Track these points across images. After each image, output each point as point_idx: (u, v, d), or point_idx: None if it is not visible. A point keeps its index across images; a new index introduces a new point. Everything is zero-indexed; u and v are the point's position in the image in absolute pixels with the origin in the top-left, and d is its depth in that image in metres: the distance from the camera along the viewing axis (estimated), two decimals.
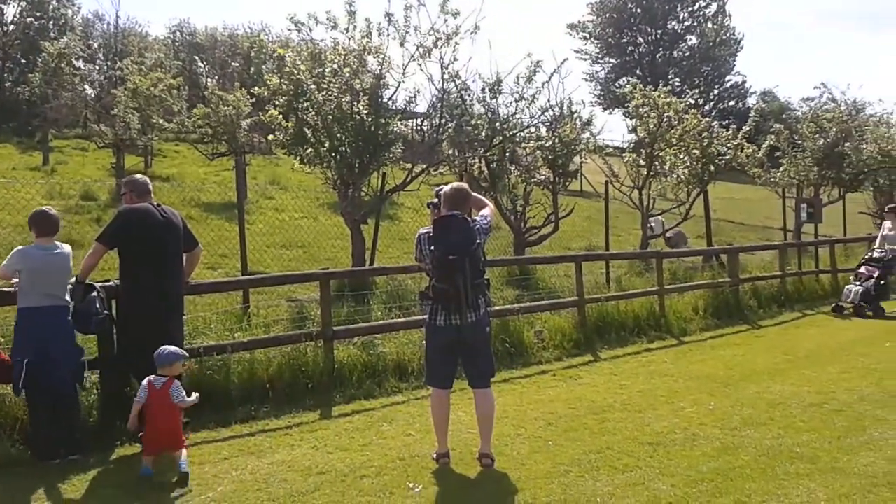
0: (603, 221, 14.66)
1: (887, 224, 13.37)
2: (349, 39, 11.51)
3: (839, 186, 20.90)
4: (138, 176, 6.19)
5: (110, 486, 5.01)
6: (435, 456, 5.41)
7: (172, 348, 5.35)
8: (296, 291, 10.95)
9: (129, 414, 5.29)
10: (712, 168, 16.63)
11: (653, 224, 16.66)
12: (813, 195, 19.36)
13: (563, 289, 11.66)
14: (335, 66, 11.28)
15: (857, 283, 12.65)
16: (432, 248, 5.26)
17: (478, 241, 5.28)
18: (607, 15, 62.74)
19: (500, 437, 5.84)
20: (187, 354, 5.62)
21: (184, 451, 5.19)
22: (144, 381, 5.23)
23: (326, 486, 4.95)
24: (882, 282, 12.56)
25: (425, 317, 5.48)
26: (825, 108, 21.56)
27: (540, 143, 14.38)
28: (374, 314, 8.89)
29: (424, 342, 5.71)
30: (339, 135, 11.15)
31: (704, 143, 16.36)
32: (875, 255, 12.93)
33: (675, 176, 16.70)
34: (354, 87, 11.16)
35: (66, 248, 5.65)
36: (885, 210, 13.82)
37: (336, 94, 11.03)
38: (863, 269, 12.78)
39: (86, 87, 27.26)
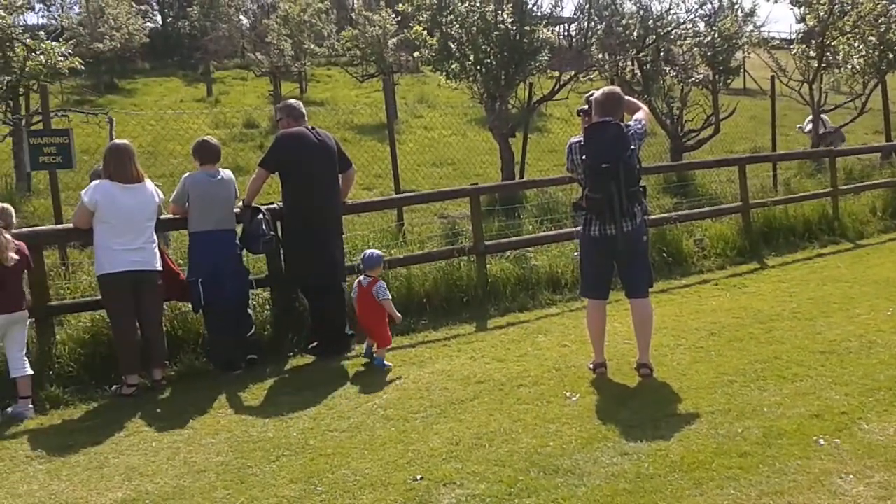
0: (769, 120, 13.72)
1: None
2: None
3: None
4: (292, 101, 6.39)
5: (285, 393, 5.37)
6: (591, 366, 5.39)
7: (376, 251, 5.99)
8: (448, 208, 11.10)
9: (300, 326, 5.70)
10: (891, 56, 15.04)
11: (804, 126, 15.39)
12: None
13: (725, 195, 11.12)
14: None
15: None
16: (584, 156, 5.11)
17: (632, 146, 5.08)
18: None
19: (659, 348, 5.72)
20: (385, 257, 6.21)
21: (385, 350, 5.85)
22: (355, 282, 5.97)
23: (485, 394, 5.07)
24: None
25: (579, 228, 5.39)
26: None
27: (698, 39, 13.55)
28: (525, 228, 8.86)
29: (579, 253, 5.63)
30: (483, 46, 10.99)
31: (882, 29, 14.78)
32: None
33: (849, 66, 15.27)
34: None
35: (228, 173, 5.97)
36: None
37: (479, 4, 10.81)
38: None
39: (241, 17, 28.32)
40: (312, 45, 22.18)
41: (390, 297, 5.95)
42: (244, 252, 6.02)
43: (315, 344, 6.03)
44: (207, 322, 5.85)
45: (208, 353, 5.91)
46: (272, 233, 5.98)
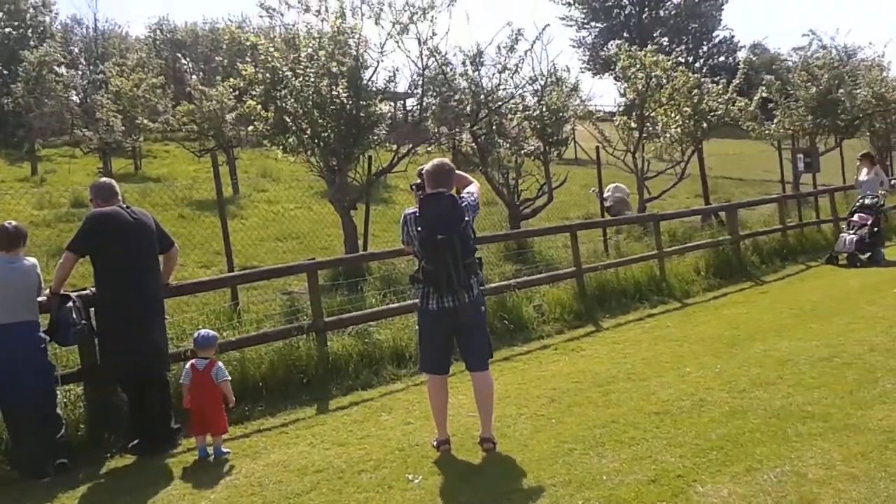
0: (598, 188, 14.44)
1: (863, 171, 13.06)
2: (322, 21, 11.27)
3: (835, 134, 20.63)
4: (103, 180, 6.00)
5: (100, 500, 4.85)
6: (435, 444, 5.24)
7: (210, 331, 5.65)
8: (291, 284, 10.76)
9: (119, 424, 5.20)
10: (705, 125, 16.36)
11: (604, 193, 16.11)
12: (809, 145, 19.08)
13: (561, 260, 11.46)
14: (310, 51, 11.01)
15: (851, 231, 12.40)
16: (419, 228, 5.06)
17: (466, 218, 5.08)
18: None
19: (503, 418, 5.67)
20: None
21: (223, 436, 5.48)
22: (187, 365, 5.50)
23: (323, 484, 4.78)
24: (876, 228, 12.31)
25: (417, 301, 5.29)
26: (815, 55, 21.17)
27: (527, 113, 14.11)
28: (368, 301, 8.68)
29: (417, 327, 5.52)
30: (320, 120, 10.90)
31: (695, 100, 16.09)
32: (867, 201, 12.63)
33: (667, 136, 16.44)
34: (332, 71, 10.88)
35: (31, 261, 5.45)
36: (858, 158, 13.50)
37: (313, 80, 10.76)
38: (855, 217, 12.52)
39: (70, 93, 26.99)
40: (146, 121, 21.39)
41: (229, 378, 5.60)
42: (51, 345, 5.46)
43: (136, 442, 5.52)
44: (7, 426, 5.24)
45: (11, 461, 5.27)
46: (84, 321, 5.47)
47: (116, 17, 79.67)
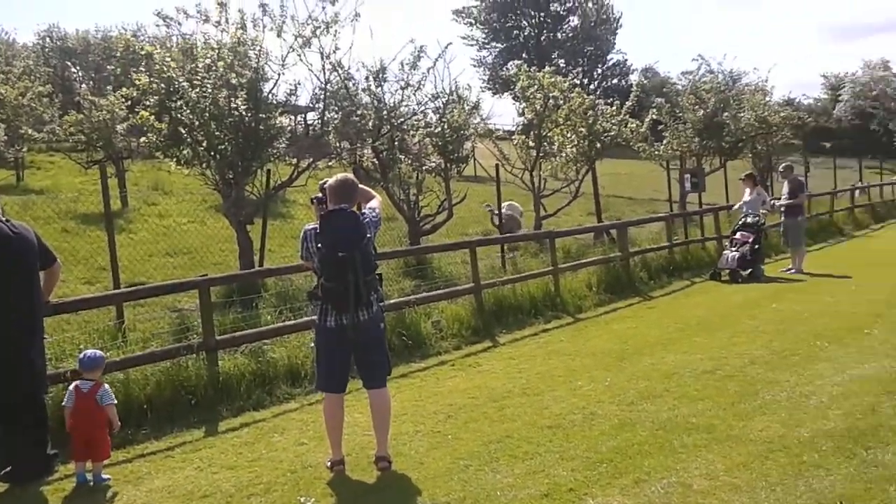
0: (497, 205, 14.66)
1: (746, 190, 13.79)
2: (222, 32, 11.01)
3: (720, 155, 21.64)
4: None
5: None
6: (329, 464, 5.16)
7: (97, 352, 5.44)
8: (181, 301, 10.41)
9: None
10: (599, 145, 16.88)
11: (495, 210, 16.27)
12: (695, 165, 19.94)
13: (460, 276, 11.56)
14: (208, 61, 10.73)
15: (733, 248, 13.05)
16: (319, 245, 4.99)
17: (368, 235, 5.05)
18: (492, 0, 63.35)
19: (399, 436, 5.65)
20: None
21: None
22: (71, 387, 5.26)
23: None
24: (757, 246, 13.00)
25: (315, 318, 5.21)
26: (703, 79, 22.21)
27: (429, 129, 14.18)
28: (263, 318, 8.50)
29: (314, 345, 5.43)
30: (217, 132, 10.62)
31: (590, 121, 16.59)
32: (749, 220, 13.33)
33: (563, 155, 16.88)
34: (231, 82, 10.64)
35: None
36: (742, 178, 14.28)
37: (211, 91, 10.48)
38: (738, 235, 13.20)
39: None
40: (30, 130, 20.36)
41: (115, 402, 5.35)
42: None
43: (9, 469, 5.19)
44: None
45: None
46: None
47: (3, 24, 75.45)
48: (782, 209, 13.98)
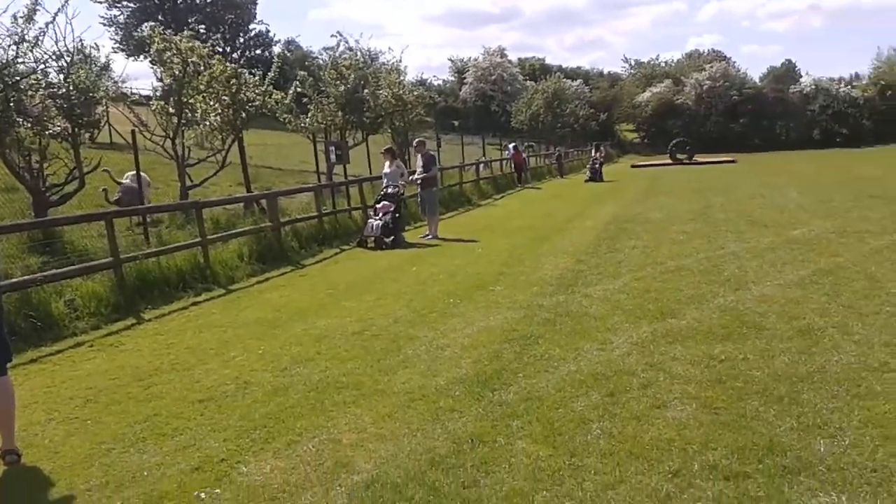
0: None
1: (386, 163, 14.74)
2: None
3: (362, 130, 22.55)
4: None
5: None
6: None
7: None
8: None
9: None
10: (244, 115, 16.59)
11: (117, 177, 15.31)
12: (340, 138, 20.56)
13: (97, 251, 10.64)
14: None
15: (377, 217, 13.83)
16: None
17: None
18: None
19: (29, 427, 5.10)
20: None
21: None
22: None
23: None
24: (398, 215, 13.91)
25: None
26: (343, 56, 22.85)
27: (51, 90, 12.73)
28: None
29: None
30: None
31: (234, 90, 16.20)
32: (389, 191, 14.21)
33: (207, 124, 16.30)
34: None
35: None
36: (382, 152, 15.21)
37: None
38: (380, 205, 14.00)
39: None
40: None
41: None
42: None
43: None
44: None
45: None
46: None
47: None
48: (418, 181, 15.06)
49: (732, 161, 38.16)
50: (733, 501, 3.40)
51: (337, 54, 22.93)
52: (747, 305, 7.02)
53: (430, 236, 14.51)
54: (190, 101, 15.88)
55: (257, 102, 16.82)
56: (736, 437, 4.09)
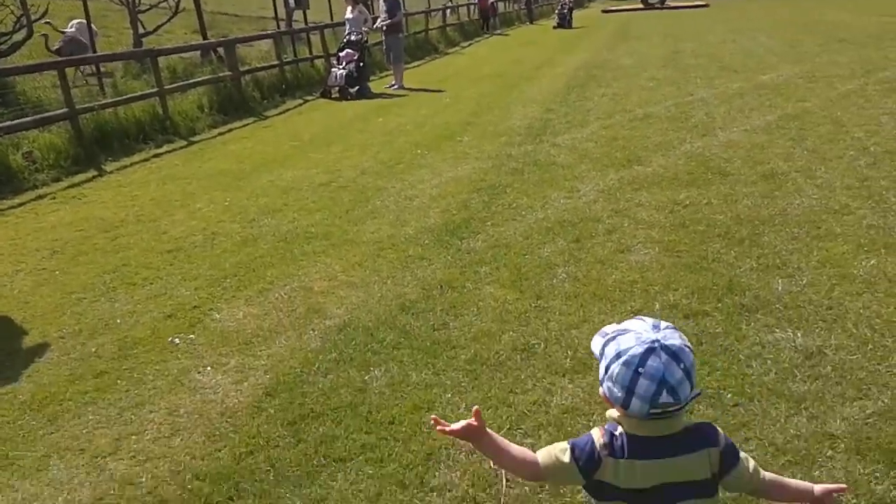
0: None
1: (349, 9, 14.05)
2: None
3: None
4: None
5: None
6: None
7: None
8: None
9: None
10: None
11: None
12: None
13: (51, 102, 10.26)
14: None
15: (340, 66, 13.39)
16: None
17: None
18: None
19: None
20: None
21: None
22: None
23: None
24: (362, 63, 13.47)
25: None
26: None
27: None
28: None
29: None
30: None
31: None
32: (353, 38, 13.66)
33: None
34: None
35: None
36: None
37: None
38: (343, 53, 13.51)
39: None
40: None
41: None
42: None
43: None
44: None
45: None
46: None
47: None
48: (383, 28, 14.51)
49: (705, 5, 37.17)
50: (692, 338, 3.53)
51: None
52: (713, 151, 7.05)
53: (395, 86, 14.16)
54: None
55: None
56: (697, 277, 4.21)
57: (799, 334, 3.48)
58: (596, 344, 1.58)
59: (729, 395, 3.04)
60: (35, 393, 3.58)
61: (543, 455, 1.58)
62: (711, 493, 1.55)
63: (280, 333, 4.05)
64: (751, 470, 1.58)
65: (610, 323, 1.62)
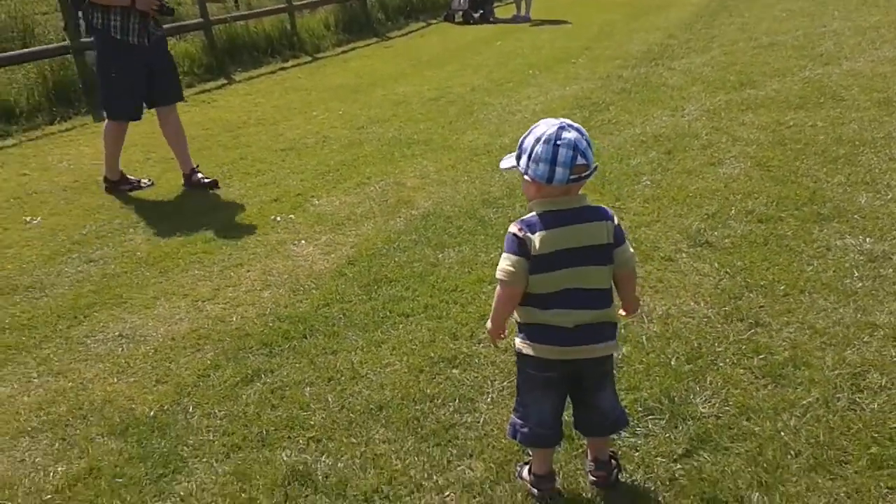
0: None
1: None
2: None
3: None
4: None
5: None
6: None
7: None
8: None
9: None
10: None
11: None
12: None
13: (188, 13, 10.90)
14: None
15: None
16: None
17: None
18: None
19: (129, 164, 5.64)
20: None
21: None
22: None
23: None
24: None
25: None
26: None
27: None
28: None
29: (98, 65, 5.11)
30: None
31: None
32: None
33: None
34: None
35: None
36: None
37: None
38: None
39: None
40: None
41: None
42: None
43: None
44: None
45: None
46: None
47: None
48: None
49: None
50: (759, 238, 3.58)
51: None
52: (833, 79, 6.75)
53: (522, 16, 14.00)
54: None
55: None
56: (781, 189, 4.19)
57: (869, 240, 3.46)
58: (506, 160, 1.95)
59: (782, 287, 3.11)
60: (151, 251, 4.07)
61: (500, 276, 1.92)
62: (607, 261, 1.92)
63: (369, 219, 4.37)
64: (630, 252, 1.97)
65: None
